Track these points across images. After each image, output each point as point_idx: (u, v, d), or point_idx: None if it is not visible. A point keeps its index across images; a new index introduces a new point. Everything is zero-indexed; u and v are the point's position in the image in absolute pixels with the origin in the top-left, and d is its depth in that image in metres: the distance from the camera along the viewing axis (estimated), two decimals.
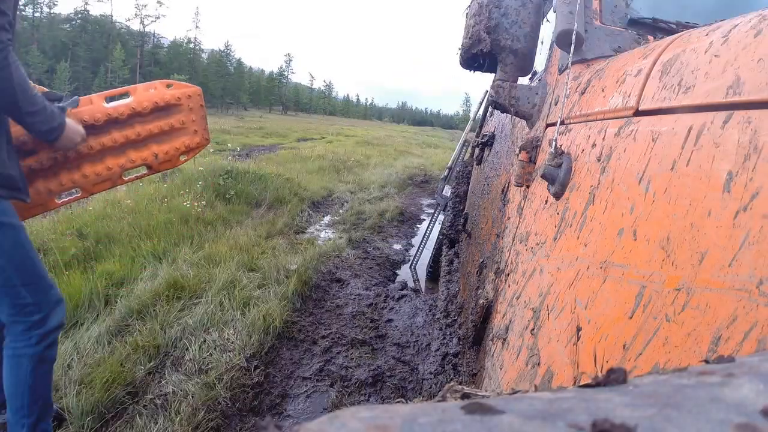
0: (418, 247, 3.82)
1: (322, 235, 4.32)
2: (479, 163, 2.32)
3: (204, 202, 4.19)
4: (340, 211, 5.30)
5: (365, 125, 56.67)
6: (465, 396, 0.22)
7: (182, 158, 1.65)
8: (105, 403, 1.59)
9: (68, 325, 2.08)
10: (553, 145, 0.69)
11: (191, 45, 54.50)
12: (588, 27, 0.84)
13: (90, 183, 1.46)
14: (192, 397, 1.69)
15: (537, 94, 0.97)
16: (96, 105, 1.42)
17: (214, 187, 4.69)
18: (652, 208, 0.42)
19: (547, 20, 1.09)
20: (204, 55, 58.12)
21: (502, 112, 1.19)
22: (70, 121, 1.25)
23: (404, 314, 2.66)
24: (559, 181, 0.67)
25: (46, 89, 1.32)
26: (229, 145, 8.84)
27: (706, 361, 0.20)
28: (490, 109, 2.84)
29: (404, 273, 3.68)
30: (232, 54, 61.84)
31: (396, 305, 2.76)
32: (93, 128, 1.42)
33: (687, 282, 0.34)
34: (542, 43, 1.11)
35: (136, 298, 2.31)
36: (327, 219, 5.00)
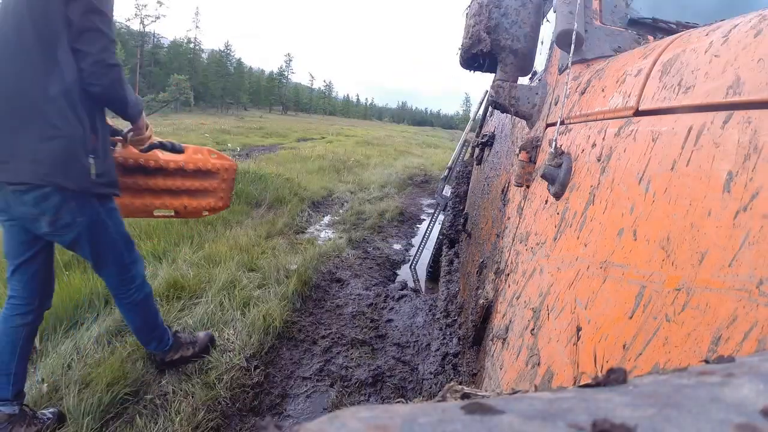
0: (418, 247, 3.81)
1: (322, 235, 4.32)
2: (479, 163, 2.32)
3: None
4: (340, 211, 5.30)
5: (365, 125, 56.65)
6: (465, 396, 0.22)
7: (204, 213, 1.96)
8: (105, 403, 1.59)
9: (68, 325, 2.08)
10: (553, 145, 0.69)
11: (191, 45, 54.47)
12: (588, 27, 0.84)
13: (127, 210, 1.72)
14: (192, 397, 1.69)
15: (537, 94, 0.97)
16: (152, 152, 1.71)
17: None
18: (652, 208, 0.42)
19: (547, 20, 1.09)
20: (204, 55, 58.10)
21: (502, 112, 1.19)
22: None
23: (404, 314, 2.66)
24: (559, 181, 0.67)
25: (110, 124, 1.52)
26: (229, 145, 8.85)
27: (706, 361, 0.20)
28: (490, 109, 2.84)
29: (404, 273, 3.68)
30: (232, 54, 61.83)
31: (396, 305, 2.76)
32: (144, 170, 1.71)
33: (687, 282, 0.34)
34: (542, 43, 1.11)
35: None
36: (327, 219, 5.00)
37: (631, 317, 0.40)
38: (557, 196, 0.68)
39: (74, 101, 1.25)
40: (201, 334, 1.94)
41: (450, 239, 2.59)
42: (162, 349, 1.77)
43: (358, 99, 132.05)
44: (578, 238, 0.57)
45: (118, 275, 1.54)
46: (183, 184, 1.82)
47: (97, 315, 2.19)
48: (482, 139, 2.31)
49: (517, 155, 0.91)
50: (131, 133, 1.57)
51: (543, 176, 0.70)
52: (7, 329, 1.42)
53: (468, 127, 3.72)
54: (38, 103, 1.21)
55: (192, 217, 1.95)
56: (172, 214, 1.87)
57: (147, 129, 1.58)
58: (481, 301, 0.99)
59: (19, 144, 1.22)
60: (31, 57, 1.19)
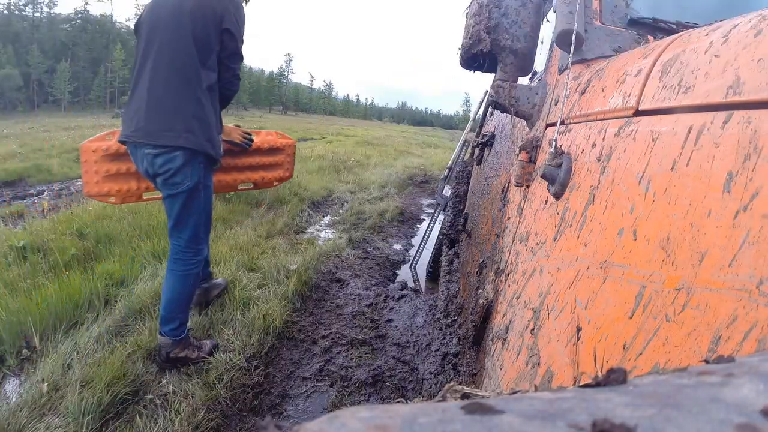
0: (418, 247, 3.81)
1: (322, 235, 4.32)
2: (479, 163, 2.32)
3: None
4: (340, 211, 5.30)
5: (365, 125, 56.61)
6: (465, 396, 0.22)
7: (275, 183, 2.45)
8: (105, 402, 1.59)
9: (68, 325, 2.08)
10: (553, 145, 0.69)
11: None
12: (588, 27, 0.84)
13: (218, 186, 2.14)
14: (192, 397, 1.69)
15: (537, 94, 0.97)
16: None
17: None
18: (652, 208, 0.42)
19: (547, 20, 1.09)
20: None
21: (502, 112, 1.19)
22: None
23: (404, 314, 2.66)
24: (559, 181, 0.67)
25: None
26: None
27: (706, 361, 0.20)
28: (490, 109, 2.84)
29: (404, 273, 3.68)
30: None
31: (396, 305, 2.76)
32: (230, 152, 2.09)
33: (687, 282, 0.34)
34: (542, 43, 1.11)
35: (136, 298, 2.31)
36: (327, 219, 5.00)
37: (631, 317, 0.40)
38: (557, 196, 0.68)
39: (214, 95, 1.68)
40: (207, 342, 2.01)
41: (450, 239, 2.59)
42: (175, 337, 1.81)
43: (358, 99, 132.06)
44: (578, 238, 0.57)
45: (188, 241, 1.77)
46: (261, 160, 2.28)
47: (97, 315, 2.19)
48: (482, 139, 2.31)
49: (517, 155, 0.91)
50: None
51: (543, 176, 0.70)
52: None
53: (468, 127, 3.72)
54: (196, 91, 1.60)
55: (266, 187, 2.43)
56: (251, 186, 2.32)
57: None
58: (481, 301, 0.99)
59: (177, 116, 1.59)
60: (192, 58, 1.60)
